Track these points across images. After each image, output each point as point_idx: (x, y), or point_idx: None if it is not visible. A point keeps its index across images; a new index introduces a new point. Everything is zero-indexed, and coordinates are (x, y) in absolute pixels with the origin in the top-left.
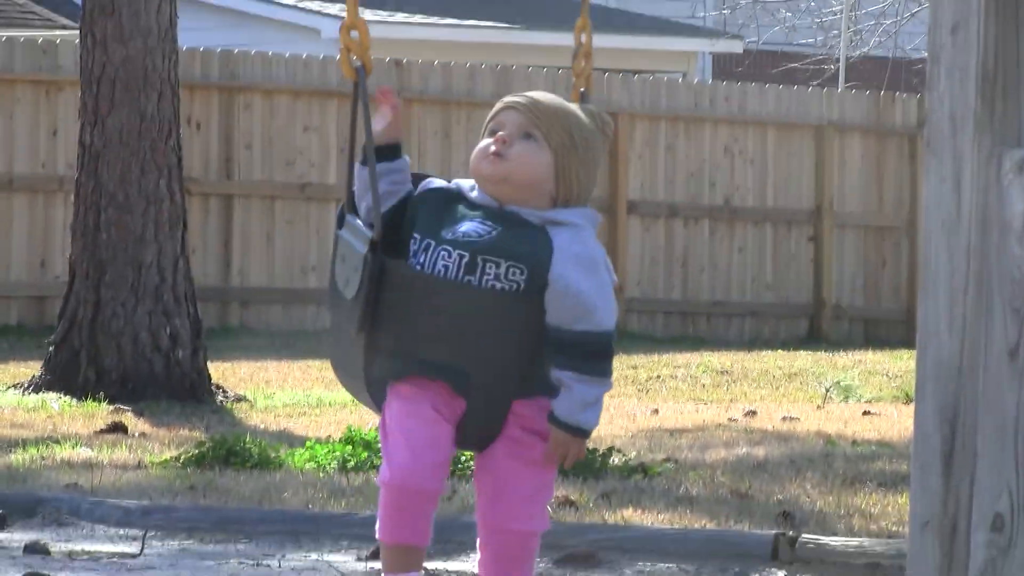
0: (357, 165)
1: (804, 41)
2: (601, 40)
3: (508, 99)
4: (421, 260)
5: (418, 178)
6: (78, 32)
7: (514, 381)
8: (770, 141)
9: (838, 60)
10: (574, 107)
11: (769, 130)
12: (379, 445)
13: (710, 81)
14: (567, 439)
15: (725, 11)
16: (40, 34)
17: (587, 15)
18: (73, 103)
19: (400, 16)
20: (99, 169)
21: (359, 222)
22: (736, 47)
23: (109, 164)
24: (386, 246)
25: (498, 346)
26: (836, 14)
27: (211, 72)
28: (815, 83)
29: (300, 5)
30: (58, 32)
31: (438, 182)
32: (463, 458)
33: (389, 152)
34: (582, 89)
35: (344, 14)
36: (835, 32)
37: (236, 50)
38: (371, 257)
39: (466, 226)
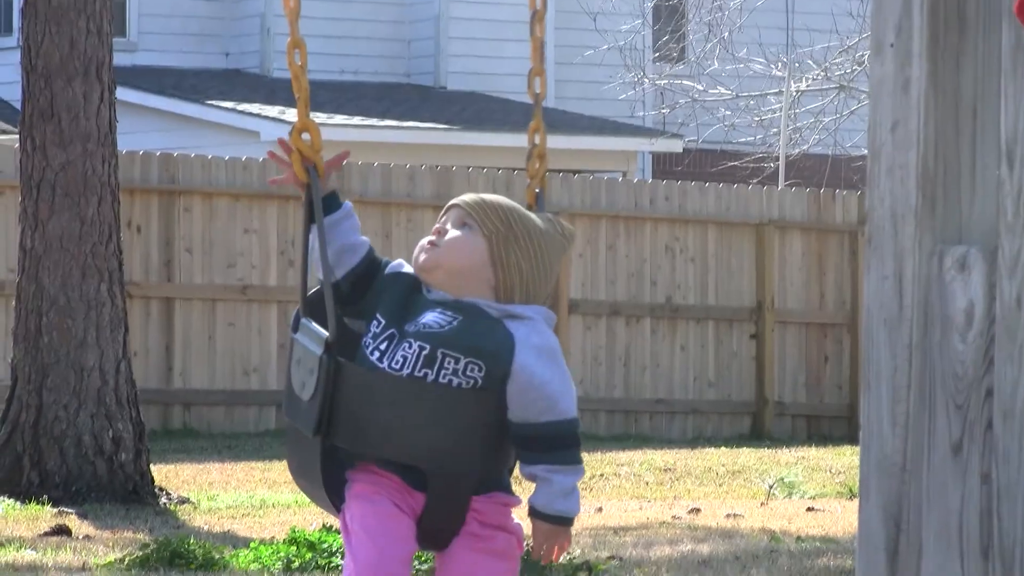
0: (311, 236)
1: (744, 139)
2: None
3: (460, 198)
4: (382, 347)
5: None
6: (18, 137)
7: (472, 477)
8: (711, 239)
9: (778, 158)
10: (525, 210)
11: (710, 228)
12: (323, 546)
13: (650, 180)
14: (552, 530)
15: (664, 110)
16: None
17: (540, 116)
18: (13, 207)
19: (339, 118)
20: (40, 273)
21: (314, 325)
22: (676, 146)
23: (50, 268)
24: (346, 303)
25: (454, 442)
26: (775, 112)
27: (151, 175)
28: (755, 181)
29: (239, 108)
30: None
31: (408, 267)
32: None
33: (333, 202)
34: (537, 190)
35: (284, 117)
36: (775, 130)
37: (176, 153)
38: (326, 359)
39: (428, 317)
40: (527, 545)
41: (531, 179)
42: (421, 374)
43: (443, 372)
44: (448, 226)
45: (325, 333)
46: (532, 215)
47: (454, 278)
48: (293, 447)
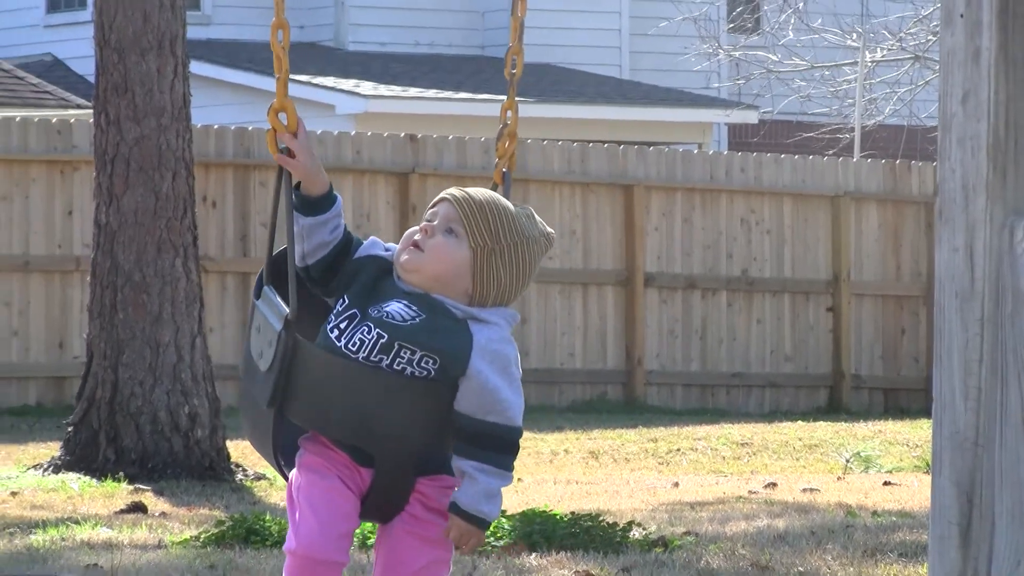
0: (298, 217)
1: (819, 110)
2: (616, 112)
3: (453, 191)
4: (342, 326)
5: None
6: (92, 112)
7: (418, 461)
8: (787, 211)
9: (853, 129)
10: (514, 210)
11: (785, 200)
12: None
13: (726, 152)
14: (467, 528)
15: (739, 81)
16: (54, 114)
17: (513, 96)
18: (88, 183)
19: (414, 91)
20: (115, 249)
21: (276, 297)
22: (751, 117)
23: (125, 244)
24: (316, 285)
25: (403, 427)
26: (850, 83)
27: (225, 149)
28: (831, 152)
29: (314, 81)
30: (72, 112)
31: (379, 248)
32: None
33: (322, 202)
34: (504, 169)
35: (358, 90)
36: (850, 101)
37: (250, 127)
38: (285, 335)
39: (393, 306)
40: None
41: (499, 158)
42: (376, 359)
43: (398, 361)
44: (436, 228)
45: (286, 309)
46: (519, 218)
47: (431, 282)
48: (247, 411)
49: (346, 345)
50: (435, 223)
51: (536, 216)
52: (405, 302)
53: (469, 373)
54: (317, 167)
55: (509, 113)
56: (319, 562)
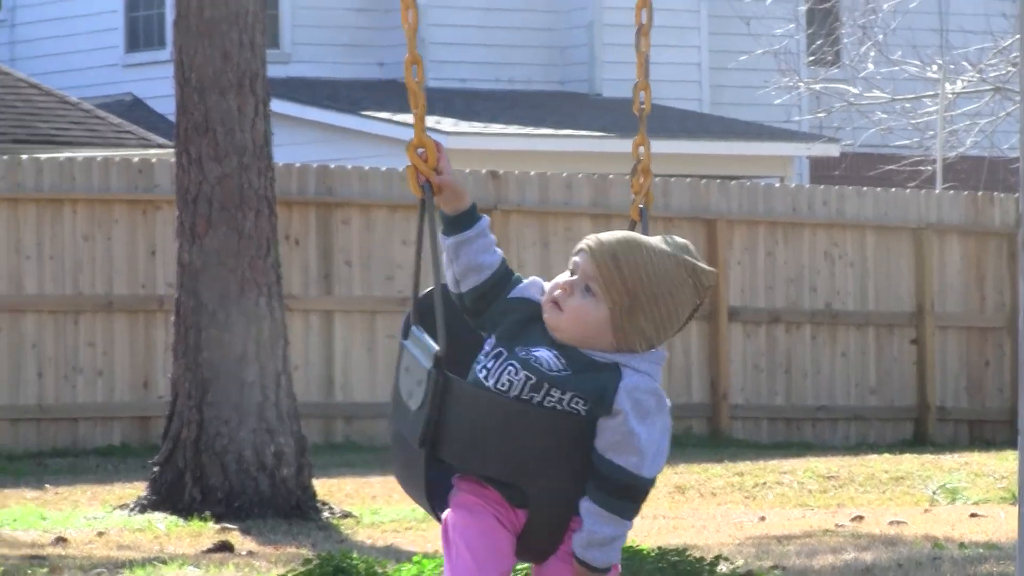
0: (442, 238)
1: (900, 142)
2: (697, 147)
3: (591, 240)
4: (489, 366)
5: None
6: (173, 151)
7: (573, 500)
8: (869, 244)
9: (935, 161)
10: (656, 256)
11: (868, 233)
12: None
13: (807, 185)
14: (582, 571)
15: (820, 114)
16: (136, 153)
17: (644, 131)
18: (170, 222)
19: (495, 127)
20: (198, 288)
21: (425, 336)
22: (832, 150)
23: (208, 283)
24: (468, 316)
25: (556, 465)
26: (931, 115)
27: (308, 188)
28: (912, 184)
29: (394, 119)
30: (153, 151)
31: (535, 291)
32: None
33: (465, 219)
34: (641, 205)
35: (439, 127)
36: (931, 133)
37: (332, 165)
38: (435, 372)
39: (541, 352)
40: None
41: (635, 194)
42: (527, 397)
43: (548, 399)
44: (575, 286)
45: (435, 347)
46: (665, 262)
47: (575, 339)
48: (398, 452)
49: (495, 384)
50: (574, 279)
51: (690, 251)
52: (555, 352)
53: (613, 411)
54: (458, 186)
55: (641, 149)
56: None
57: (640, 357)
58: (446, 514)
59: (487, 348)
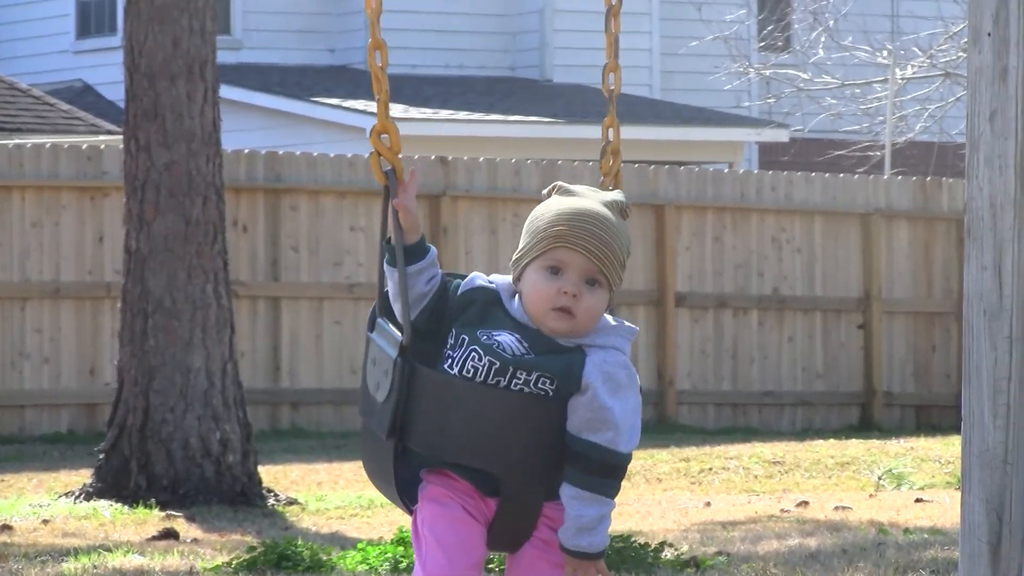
0: (387, 267)
1: (849, 128)
2: (647, 132)
3: (567, 234)
4: (452, 354)
5: (455, 276)
6: (122, 137)
7: (543, 484)
8: (817, 229)
9: (884, 146)
10: (611, 216)
11: (816, 218)
12: None
13: (756, 171)
14: (577, 563)
15: (770, 100)
16: (85, 140)
17: (614, 113)
18: (119, 209)
19: (445, 113)
20: (145, 275)
21: (390, 326)
22: (782, 136)
23: (155, 270)
24: (426, 337)
25: (526, 449)
26: (881, 100)
27: (256, 174)
28: (861, 170)
29: (344, 104)
30: (103, 138)
31: (482, 280)
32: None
33: (418, 251)
34: (611, 187)
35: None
36: (880, 118)
37: (281, 151)
38: (401, 362)
39: (503, 337)
40: None
41: (605, 175)
42: (494, 381)
43: (515, 382)
44: (580, 287)
45: (400, 336)
46: (618, 222)
47: (583, 333)
48: (367, 446)
49: (460, 372)
50: (574, 281)
51: (621, 198)
52: (517, 336)
53: (582, 387)
54: (417, 214)
55: (611, 131)
56: None
57: (606, 331)
58: (416, 507)
59: (450, 341)
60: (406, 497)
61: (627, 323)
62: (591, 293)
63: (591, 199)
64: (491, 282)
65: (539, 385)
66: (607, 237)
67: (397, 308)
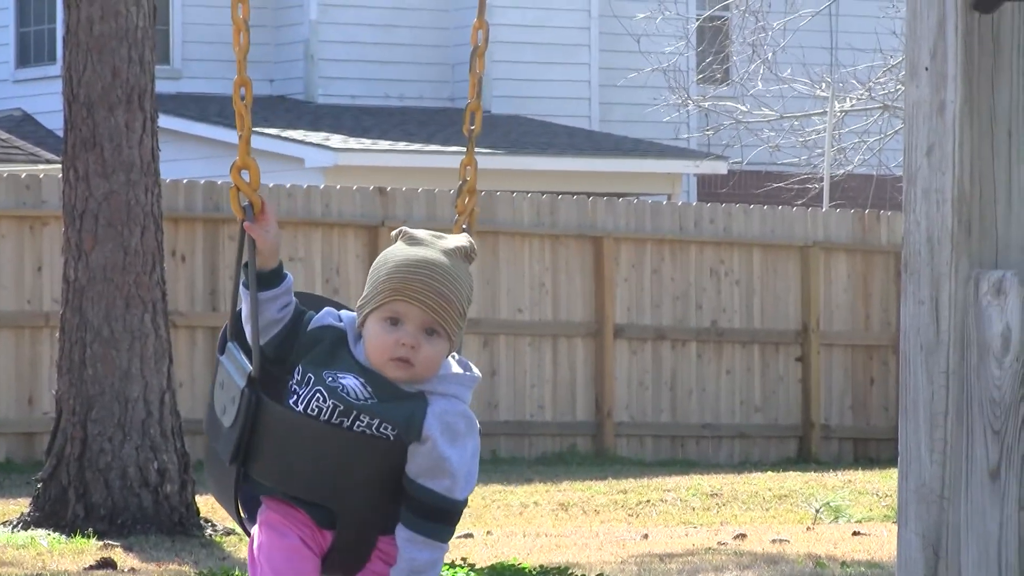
0: (242, 290)
1: (788, 160)
2: (586, 164)
3: (404, 288)
4: (299, 391)
5: (311, 298)
6: (61, 167)
7: (379, 520)
8: (756, 261)
9: (822, 179)
10: (451, 265)
11: (755, 251)
12: None
13: (695, 203)
14: None
15: (709, 132)
16: (24, 169)
17: (472, 152)
18: (58, 238)
19: (384, 144)
20: (84, 304)
21: (240, 353)
22: (720, 168)
23: (94, 299)
24: (274, 362)
25: (364, 488)
26: (820, 132)
27: (195, 204)
28: (800, 202)
29: (284, 135)
30: (42, 167)
31: (331, 318)
32: None
33: (273, 278)
34: (464, 225)
35: (328, 143)
36: (819, 151)
37: (219, 181)
38: (248, 392)
39: (348, 380)
40: None
41: (459, 214)
42: (337, 422)
43: (357, 424)
44: (418, 338)
45: (249, 365)
46: (462, 267)
47: (421, 380)
48: (211, 467)
49: (305, 410)
50: (412, 332)
51: (463, 242)
52: (362, 380)
53: (422, 437)
54: (277, 239)
55: (468, 169)
56: None
57: (448, 380)
58: (253, 531)
59: (296, 377)
60: (246, 515)
61: (474, 369)
62: (429, 343)
63: (433, 247)
64: (340, 320)
65: (381, 429)
66: (444, 290)
67: (248, 330)
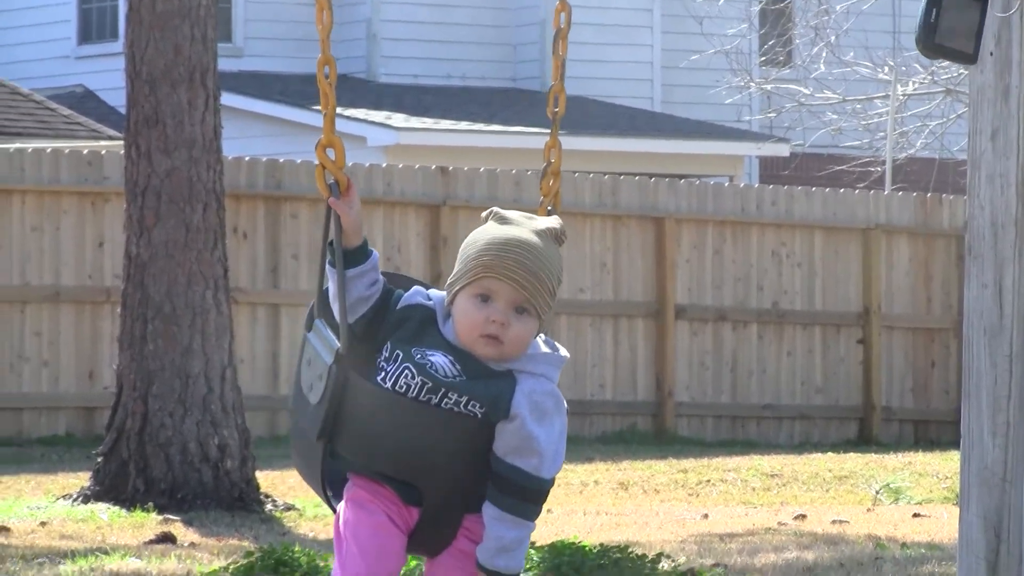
0: (328, 268)
1: (850, 143)
2: (647, 145)
3: (495, 264)
4: (387, 368)
5: (398, 278)
6: (123, 143)
7: (466, 498)
8: (817, 244)
9: (884, 162)
10: (542, 245)
11: (816, 233)
12: None
13: (757, 185)
14: None
15: (771, 114)
16: (86, 145)
17: (556, 134)
18: (119, 214)
19: (446, 123)
20: (145, 280)
21: (327, 330)
22: (782, 150)
23: (155, 275)
24: (363, 341)
25: (451, 465)
26: (882, 116)
27: (256, 181)
28: (861, 185)
29: (346, 113)
30: (104, 143)
31: (420, 296)
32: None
33: (359, 255)
34: (549, 208)
35: (390, 122)
36: (881, 134)
37: (282, 159)
38: (336, 369)
39: (437, 358)
40: None
41: (544, 196)
42: (425, 399)
43: (445, 401)
44: (508, 316)
45: (336, 342)
46: (553, 247)
47: (511, 359)
48: (297, 441)
49: (393, 387)
50: (502, 309)
51: (556, 224)
52: (451, 357)
53: (511, 415)
54: (360, 217)
55: (553, 151)
56: None
57: (537, 359)
58: (340, 507)
59: (384, 354)
60: (332, 493)
61: (561, 349)
62: (519, 321)
63: (523, 227)
64: (429, 299)
65: (469, 407)
66: (535, 267)
67: (335, 308)
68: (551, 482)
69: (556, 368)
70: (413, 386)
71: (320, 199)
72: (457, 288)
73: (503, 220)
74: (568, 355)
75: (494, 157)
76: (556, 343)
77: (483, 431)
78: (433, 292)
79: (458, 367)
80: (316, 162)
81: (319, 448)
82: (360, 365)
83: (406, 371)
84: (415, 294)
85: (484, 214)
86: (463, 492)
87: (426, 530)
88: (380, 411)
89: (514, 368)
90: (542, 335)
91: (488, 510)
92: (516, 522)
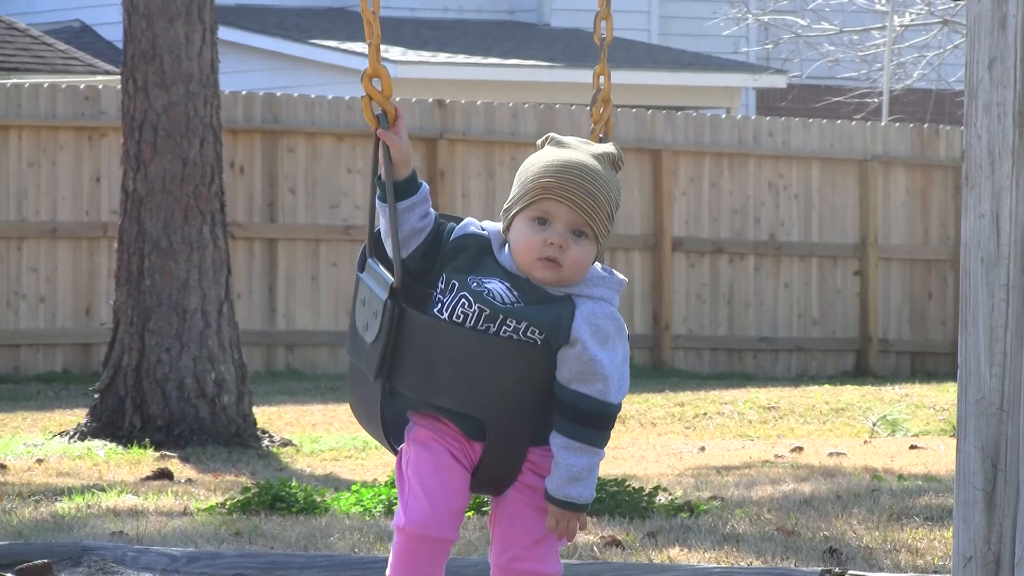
0: (379, 204)
1: (847, 75)
2: (644, 77)
3: (554, 186)
4: (443, 299)
5: (450, 219)
6: (120, 78)
7: (529, 430)
8: (814, 176)
9: (881, 93)
10: (600, 168)
11: (813, 165)
12: None
13: (754, 116)
14: (562, 514)
15: (768, 46)
16: (83, 80)
17: (605, 60)
18: (116, 149)
19: (443, 56)
20: (142, 215)
21: (380, 267)
22: (779, 82)
23: (152, 210)
24: (417, 277)
25: (513, 395)
26: (879, 47)
27: (254, 116)
28: (859, 116)
29: (343, 47)
30: (100, 78)
31: (474, 226)
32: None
33: (409, 186)
34: (601, 135)
35: (388, 55)
36: (878, 65)
37: (279, 93)
38: (391, 304)
39: (494, 285)
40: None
41: (595, 123)
42: (483, 328)
43: (504, 329)
44: (567, 238)
45: (390, 278)
46: (611, 172)
47: (570, 283)
48: (354, 385)
49: (450, 317)
50: (561, 232)
51: (613, 150)
52: (507, 284)
53: (571, 340)
54: (409, 148)
55: (602, 79)
56: (429, 540)
57: (596, 282)
58: (401, 448)
59: (440, 284)
60: (392, 436)
61: (617, 274)
62: (577, 244)
63: (581, 151)
64: (483, 229)
65: (528, 334)
66: (594, 189)
67: (388, 245)
68: (618, 407)
69: (615, 292)
70: (471, 315)
71: (318, 133)
72: (514, 212)
73: (560, 144)
74: (626, 279)
75: (493, 90)
76: (612, 268)
77: (544, 358)
78: (487, 223)
79: (516, 293)
80: (352, 93)
81: (377, 389)
82: (415, 301)
83: (463, 300)
84: (468, 224)
85: (540, 140)
86: (527, 423)
87: (491, 465)
88: (438, 343)
89: (572, 292)
90: (598, 263)
91: (556, 439)
92: (585, 449)
